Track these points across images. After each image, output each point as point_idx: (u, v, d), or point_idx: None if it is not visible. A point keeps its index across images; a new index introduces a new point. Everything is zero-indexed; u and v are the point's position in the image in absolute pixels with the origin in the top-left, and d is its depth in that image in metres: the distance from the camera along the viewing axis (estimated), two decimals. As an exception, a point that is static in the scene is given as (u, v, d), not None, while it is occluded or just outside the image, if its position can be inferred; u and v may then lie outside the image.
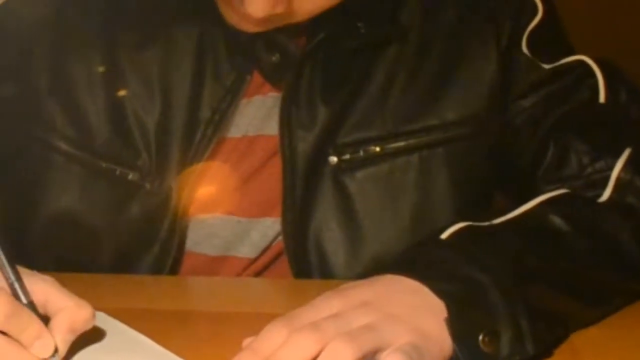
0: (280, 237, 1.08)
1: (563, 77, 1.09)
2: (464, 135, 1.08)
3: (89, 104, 1.07)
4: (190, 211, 1.08)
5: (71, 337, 0.75)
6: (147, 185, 1.06)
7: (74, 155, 1.07)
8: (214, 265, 1.09)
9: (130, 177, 1.06)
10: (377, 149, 1.06)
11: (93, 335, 0.79)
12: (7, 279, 0.75)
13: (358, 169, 1.06)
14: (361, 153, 1.06)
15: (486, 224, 0.89)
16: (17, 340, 0.72)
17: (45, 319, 0.74)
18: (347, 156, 1.06)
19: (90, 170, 1.07)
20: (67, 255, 1.09)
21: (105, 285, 1.02)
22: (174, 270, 1.07)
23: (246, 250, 1.09)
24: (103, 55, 1.07)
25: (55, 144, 1.07)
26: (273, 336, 0.72)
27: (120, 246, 1.08)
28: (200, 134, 1.05)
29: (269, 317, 0.74)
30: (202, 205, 1.08)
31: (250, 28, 0.99)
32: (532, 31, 1.09)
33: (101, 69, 1.07)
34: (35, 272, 0.79)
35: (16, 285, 0.74)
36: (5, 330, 0.72)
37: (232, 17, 1.00)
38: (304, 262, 1.06)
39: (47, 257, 1.09)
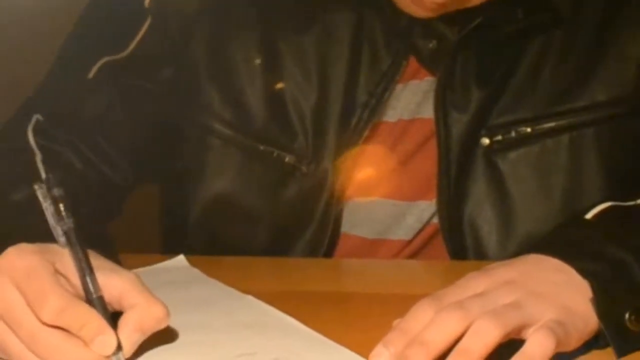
0: (434, 219, 1.08)
1: None
2: (613, 116, 1.06)
3: (247, 88, 1.09)
4: (346, 194, 1.09)
5: (139, 336, 0.72)
6: (304, 168, 1.07)
7: (232, 138, 1.09)
8: (370, 248, 1.10)
9: (287, 159, 1.08)
10: (528, 129, 1.06)
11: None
12: (79, 272, 0.73)
13: (510, 150, 1.06)
14: (513, 134, 1.06)
15: (631, 203, 0.87)
16: (77, 336, 0.70)
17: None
18: (499, 137, 1.06)
19: (247, 153, 1.09)
20: (223, 237, 1.12)
21: (259, 267, 1.04)
22: (329, 252, 1.09)
23: (401, 233, 1.10)
24: (261, 41, 1.09)
25: (214, 127, 1.10)
26: (419, 316, 0.72)
27: (277, 228, 1.10)
28: (356, 118, 1.06)
29: (411, 299, 0.74)
30: (359, 188, 1.09)
31: (424, 13, 1.00)
32: None
33: (259, 54, 1.08)
34: (118, 267, 0.77)
35: (87, 279, 0.72)
36: (59, 324, 0.70)
37: (403, 2, 1.01)
38: (459, 243, 1.06)
39: (204, 239, 1.13)
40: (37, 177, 0.90)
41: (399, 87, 1.07)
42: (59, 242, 0.74)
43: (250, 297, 0.87)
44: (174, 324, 0.80)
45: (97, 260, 0.75)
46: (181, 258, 1.02)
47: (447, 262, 1.06)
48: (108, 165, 1.09)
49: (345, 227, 1.10)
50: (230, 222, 1.11)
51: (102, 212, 1.06)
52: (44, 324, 0.69)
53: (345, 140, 1.06)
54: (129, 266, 0.98)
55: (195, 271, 0.99)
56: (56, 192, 0.74)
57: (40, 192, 0.74)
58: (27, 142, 1.02)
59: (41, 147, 1.01)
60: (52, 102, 1.10)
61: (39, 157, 1.00)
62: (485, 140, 1.06)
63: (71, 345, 0.70)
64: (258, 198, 1.10)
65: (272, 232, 1.10)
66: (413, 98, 1.08)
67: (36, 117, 1.06)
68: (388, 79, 1.06)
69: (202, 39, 1.10)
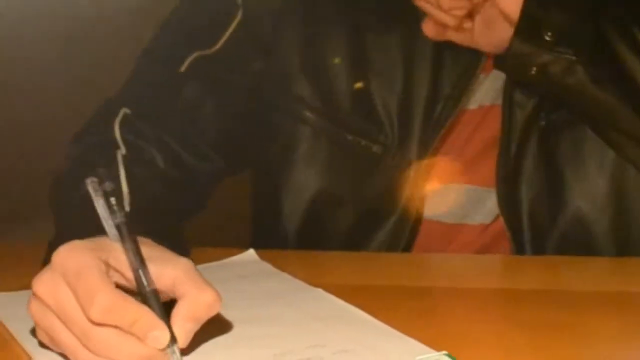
0: None
1: None
2: None
3: (336, 81, 1.10)
4: (428, 182, 1.10)
5: (192, 325, 0.71)
6: (389, 158, 1.09)
7: (322, 128, 1.11)
8: (449, 233, 1.11)
9: (373, 149, 1.10)
10: None
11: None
12: (132, 266, 0.72)
13: (564, 130, 1.07)
14: (568, 114, 1.07)
15: None
16: (131, 333, 0.69)
17: None
18: (555, 117, 1.07)
19: (336, 143, 1.11)
20: (310, 223, 1.13)
21: (331, 262, 1.04)
22: (410, 238, 1.10)
23: (480, 218, 1.11)
24: (348, 36, 1.10)
25: (305, 115, 1.11)
26: None
27: (361, 216, 1.12)
28: (440, 109, 1.08)
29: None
30: (441, 175, 1.10)
31: None
32: None
33: (347, 47, 1.10)
34: (172, 256, 0.75)
35: (140, 273, 0.71)
36: (109, 323, 0.69)
37: None
38: (515, 218, 1.08)
39: (292, 226, 1.14)
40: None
41: (482, 76, 1.09)
42: (111, 236, 0.73)
43: (320, 290, 0.87)
44: (243, 316, 0.81)
45: (151, 251, 0.74)
46: (251, 252, 1.02)
47: (514, 257, 1.08)
48: (198, 158, 1.10)
49: (426, 213, 1.11)
50: (317, 209, 1.13)
51: (186, 207, 1.07)
52: (95, 322, 0.69)
53: (429, 130, 1.08)
54: (201, 260, 0.99)
55: (266, 265, 0.99)
56: (107, 186, 0.73)
57: (91, 186, 0.73)
58: (114, 135, 1.04)
59: (125, 142, 1.03)
60: (140, 96, 1.11)
61: (119, 152, 1.01)
62: (543, 122, 1.08)
63: (125, 341, 0.69)
64: (346, 187, 1.11)
65: (357, 219, 1.12)
66: (493, 85, 1.09)
67: (124, 110, 1.07)
68: (470, 72, 1.08)
69: (293, 35, 1.11)
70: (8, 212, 2.08)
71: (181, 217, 1.05)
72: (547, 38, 0.97)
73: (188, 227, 1.06)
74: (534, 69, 0.98)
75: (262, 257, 1.01)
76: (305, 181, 1.12)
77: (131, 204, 0.92)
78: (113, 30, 2.20)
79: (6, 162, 2.38)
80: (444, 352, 0.69)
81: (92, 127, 1.10)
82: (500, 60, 1.00)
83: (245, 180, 1.23)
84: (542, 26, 0.97)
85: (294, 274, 0.93)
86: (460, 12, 0.99)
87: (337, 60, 1.10)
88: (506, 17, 0.98)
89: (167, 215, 0.97)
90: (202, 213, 1.13)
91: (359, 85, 1.10)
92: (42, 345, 0.74)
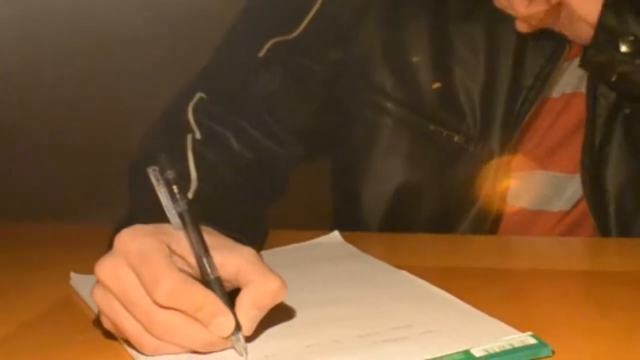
0: None
1: None
2: None
3: (419, 71, 1.11)
4: (511, 169, 1.11)
5: (256, 313, 0.70)
6: (471, 148, 1.10)
7: (404, 118, 1.11)
8: (531, 219, 1.12)
9: (455, 139, 1.10)
10: None
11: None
12: (195, 253, 0.71)
13: None
14: None
15: None
16: (195, 319, 0.69)
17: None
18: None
19: (418, 132, 1.11)
20: (392, 214, 1.14)
21: (415, 244, 1.04)
22: (494, 224, 1.10)
23: (561, 204, 1.12)
24: (431, 24, 1.10)
25: (386, 106, 1.11)
26: None
27: (444, 206, 1.12)
28: (522, 99, 1.08)
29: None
30: (523, 163, 1.11)
31: None
32: None
33: (430, 36, 1.10)
34: (235, 245, 0.74)
35: (204, 261, 0.70)
36: (174, 307, 0.68)
37: None
38: (600, 204, 1.08)
39: (374, 215, 1.15)
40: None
41: (564, 65, 1.09)
42: (173, 225, 0.72)
43: (404, 272, 0.87)
44: (327, 298, 0.82)
45: (214, 239, 0.73)
46: (336, 234, 1.03)
47: (597, 239, 1.07)
48: (274, 142, 1.10)
49: (508, 200, 1.12)
50: (399, 200, 1.13)
51: (263, 192, 1.07)
52: (160, 305, 0.68)
53: (511, 120, 1.08)
54: (284, 242, 1.00)
55: (350, 247, 0.99)
56: (169, 174, 0.72)
57: (153, 174, 0.72)
58: (187, 119, 1.04)
59: (199, 125, 1.03)
60: (218, 80, 1.12)
61: (190, 136, 1.01)
62: (627, 110, 1.07)
63: (189, 326, 0.69)
64: (427, 176, 1.12)
65: (439, 209, 1.12)
66: (575, 73, 1.09)
67: (199, 95, 1.07)
68: (553, 61, 1.07)
69: (374, 24, 1.11)
70: (91, 194, 2.12)
71: (259, 202, 1.04)
72: (624, 49, 0.96)
73: (271, 209, 1.07)
74: (614, 76, 0.98)
75: (346, 239, 1.01)
76: (386, 172, 1.13)
77: (199, 189, 0.92)
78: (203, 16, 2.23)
79: (90, 145, 2.43)
80: (529, 332, 0.68)
81: (167, 111, 1.10)
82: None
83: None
84: (619, 38, 0.97)
85: (378, 256, 0.94)
86: (537, 20, 0.99)
87: (416, 59, 1.10)
88: (584, 20, 0.97)
89: (240, 200, 0.97)
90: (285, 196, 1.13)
91: (437, 85, 1.10)
92: None
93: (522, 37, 1.07)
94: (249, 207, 0.99)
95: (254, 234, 0.93)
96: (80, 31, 2.48)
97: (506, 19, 1.07)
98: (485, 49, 1.09)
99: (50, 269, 0.95)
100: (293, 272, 0.91)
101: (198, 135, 1.01)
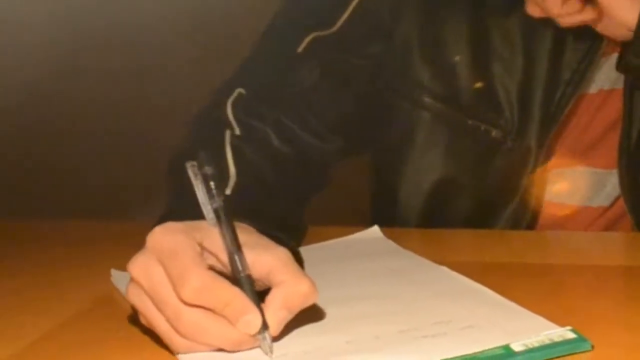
0: None
1: None
2: None
3: (457, 65, 1.11)
4: (549, 165, 1.10)
5: (285, 314, 0.70)
6: (509, 142, 1.09)
7: (442, 112, 1.11)
8: (570, 214, 1.11)
9: (493, 134, 1.10)
10: None
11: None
12: (228, 251, 0.71)
13: None
14: None
15: None
16: (222, 316, 0.69)
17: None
18: None
19: (455, 127, 1.11)
20: (430, 209, 1.14)
21: (454, 239, 1.05)
22: (531, 222, 1.10)
23: (600, 200, 1.11)
24: (469, 20, 1.10)
25: (424, 101, 1.12)
26: None
27: (482, 201, 1.12)
28: (560, 94, 1.07)
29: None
30: (561, 159, 1.11)
31: None
32: None
33: (468, 31, 1.10)
34: (269, 244, 0.74)
35: (235, 258, 0.70)
36: (201, 304, 0.68)
37: None
38: (637, 201, 1.07)
39: (414, 211, 1.15)
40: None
41: (602, 60, 1.08)
42: (208, 220, 0.72)
43: (444, 268, 0.87)
44: (367, 294, 0.82)
45: (249, 237, 0.73)
46: (376, 229, 1.04)
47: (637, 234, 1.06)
48: (314, 137, 1.10)
49: (547, 196, 1.11)
50: (438, 194, 1.13)
51: (303, 187, 1.08)
52: (187, 303, 0.68)
53: (549, 115, 1.08)
54: (324, 238, 1.01)
55: (390, 242, 0.99)
56: (207, 170, 0.72)
57: (191, 170, 0.72)
58: (226, 115, 1.04)
59: (238, 121, 1.03)
60: (257, 76, 1.12)
61: (228, 132, 1.01)
62: None
63: (216, 323, 0.69)
64: (465, 171, 1.12)
65: (477, 204, 1.12)
66: (613, 69, 1.07)
67: (238, 90, 1.07)
68: (591, 56, 1.07)
69: (413, 19, 1.11)
70: (137, 191, 2.14)
71: (298, 197, 1.05)
72: None
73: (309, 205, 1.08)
74: None
75: (384, 234, 1.02)
76: (424, 167, 1.13)
77: (238, 184, 0.92)
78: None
79: (136, 143, 2.45)
80: (569, 327, 0.68)
81: (206, 107, 1.10)
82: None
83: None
84: None
85: (416, 252, 0.94)
86: (572, 18, 0.99)
87: (455, 56, 1.10)
88: (624, 25, 0.97)
89: (279, 196, 0.97)
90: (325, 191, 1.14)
91: (478, 85, 1.10)
92: None
93: (559, 32, 1.06)
94: (289, 202, 0.99)
95: (293, 230, 0.93)
96: (121, 27, 2.50)
97: None
98: (523, 44, 1.09)
99: (97, 265, 0.97)
100: (333, 268, 0.93)
101: (237, 131, 1.01)
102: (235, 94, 1.07)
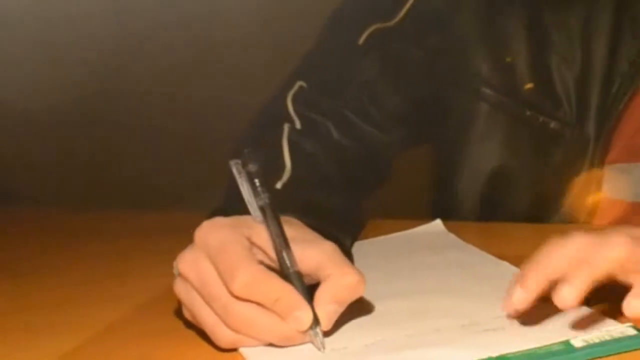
0: None
1: None
2: None
3: (516, 55, 1.10)
4: (608, 158, 1.09)
5: (335, 308, 0.70)
6: (567, 134, 1.08)
7: (500, 103, 1.11)
8: (628, 211, 1.09)
9: (551, 125, 1.09)
10: None
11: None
12: (276, 247, 0.71)
13: None
14: None
15: None
16: (272, 311, 0.69)
17: None
18: None
19: (514, 118, 1.11)
20: (489, 201, 1.14)
21: (517, 233, 1.05)
22: (589, 215, 1.09)
23: None
24: (528, 10, 1.10)
25: (483, 91, 1.11)
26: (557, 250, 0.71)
27: (540, 193, 1.11)
28: (617, 86, 1.06)
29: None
30: (619, 153, 1.09)
31: None
32: None
33: (526, 23, 1.10)
34: (317, 238, 0.75)
35: (283, 254, 0.70)
36: (251, 298, 0.68)
37: None
38: None
39: (471, 203, 1.15)
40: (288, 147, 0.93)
41: None
42: (255, 218, 0.72)
43: (505, 263, 0.87)
44: (429, 287, 0.83)
45: (296, 232, 0.73)
46: (438, 223, 1.04)
47: None
48: (375, 129, 1.10)
49: (605, 191, 1.10)
50: (495, 186, 1.13)
51: (365, 180, 1.08)
52: (237, 297, 0.68)
53: (606, 108, 1.07)
54: (386, 231, 1.01)
55: (452, 236, 1.00)
56: (252, 167, 0.72)
57: (235, 167, 0.72)
58: (285, 109, 1.05)
59: (298, 114, 1.03)
60: (317, 69, 1.12)
61: (287, 125, 1.01)
62: None
63: (266, 318, 0.69)
64: (523, 163, 1.11)
65: (535, 197, 1.11)
66: None
67: (299, 84, 1.08)
68: None
69: (471, 10, 1.11)
70: (200, 185, 2.16)
71: (360, 190, 1.05)
72: None
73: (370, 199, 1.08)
74: None
75: (448, 228, 1.02)
76: (482, 159, 1.13)
77: (293, 178, 0.92)
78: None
79: (200, 136, 2.48)
80: (629, 324, 0.69)
81: (267, 103, 1.11)
82: None
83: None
84: None
85: (476, 246, 0.94)
86: None
87: (509, 59, 1.10)
88: None
89: (338, 189, 0.97)
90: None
91: (529, 86, 1.10)
92: None
93: (617, 24, 1.06)
94: (348, 196, 0.99)
95: (349, 224, 0.94)
96: (182, 24, 2.53)
97: (602, 4, 1.06)
98: (580, 36, 1.08)
99: (162, 256, 0.98)
100: (395, 261, 0.93)
101: (298, 125, 1.02)
102: (295, 87, 1.08)
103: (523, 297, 0.69)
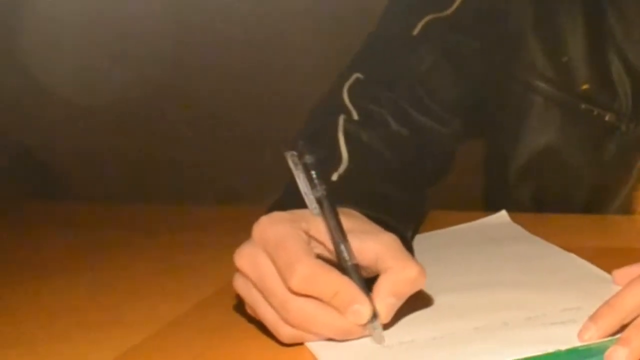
0: None
1: None
2: None
3: (572, 51, 1.09)
4: None
5: (394, 301, 0.69)
6: (623, 127, 1.07)
7: (554, 96, 1.09)
8: None
9: (607, 118, 1.07)
10: None
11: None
12: (333, 240, 0.70)
13: None
14: None
15: None
16: (330, 305, 0.68)
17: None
18: None
19: (568, 111, 1.09)
20: (543, 194, 1.13)
21: (580, 224, 1.03)
22: None
23: None
24: (585, 5, 1.08)
25: (537, 84, 1.10)
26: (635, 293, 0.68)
27: (595, 186, 1.10)
28: None
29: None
30: None
31: None
32: None
33: (584, 17, 1.08)
34: (376, 230, 0.74)
35: (341, 247, 0.69)
36: (309, 293, 0.67)
37: None
38: None
39: (525, 193, 1.14)
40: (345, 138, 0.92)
41: None
42: (312, 210, 0.72)
43: (572, 255, 0.86)
44: (495, 280, 0.81)
45: (354, 223, 0.73)
46: (503, 214, 1.02)
47: None
48: (433, 120, 1.09)
49: None
50: (550, 179, 1.12)
51: (426, 170, 1.07)
52: (295, 292, 0.68)
53: None
54: (448, 223, 1.00)
55: (517, 228, 0.98)
56: (308, 159, 0.71)
57: (291, 159, 0.71)
58: (342, 100, 1.03)
59: (355, 105, 1.02)
60: (373, 60, 1.11)
61: (342, 117, 1.00)
62: None
63: (324, 313, 0.68)
64: (578, 156, 1.10)
65: (590, 189, 1.10)
66: None
67: (356, 75, 1.06)
68: None
69: (526, 2, 1.10)
70: (262, 180, 2.17)
71: (419, 182, 1.03)
72: None
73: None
74: None
75: (513, 219, 1.01)
76: (535, 150, 1.12)
77: (350, 169, 0.90)
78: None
79: (262, 133, 2.49)
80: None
81: (324, 95, 1.10)
82: None
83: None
84: None
85: (545, 237, 0.93)
86: None
87: (565, 59, 1.08)
88: None
89: (396, 180, 0.95)
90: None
91: (585, 87, 1.08)
92: None
93: None
94: (408, 186, 0.97)
95: (409, 215, 0.92)
96: (249, 25, 2.54)
97: None
98: (638, 25, 1.06)
99: (223, 251, 0.98)
100: (461, 253, 0.92)
101: (355, 116, 1.00)
102: (352, 79, 1.06)
103: (595, 336, 0.67)
